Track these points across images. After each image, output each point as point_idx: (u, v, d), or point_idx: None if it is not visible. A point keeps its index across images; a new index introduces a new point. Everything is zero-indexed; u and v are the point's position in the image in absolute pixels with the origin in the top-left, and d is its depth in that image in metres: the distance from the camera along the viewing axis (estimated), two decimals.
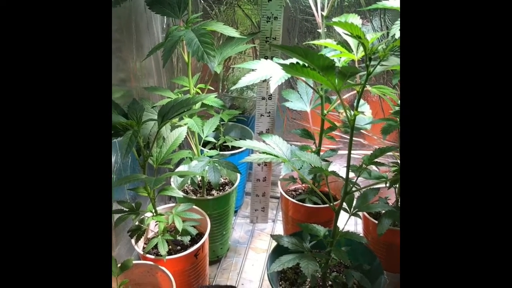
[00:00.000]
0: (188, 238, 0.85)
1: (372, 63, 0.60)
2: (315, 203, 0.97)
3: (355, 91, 0.95)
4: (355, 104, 0.96)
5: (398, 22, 0.71)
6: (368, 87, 0.89)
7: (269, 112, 1.05)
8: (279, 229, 1.16)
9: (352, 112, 0.84)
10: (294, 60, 0.60)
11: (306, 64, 0.58)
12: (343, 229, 0.78)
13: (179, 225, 0.81)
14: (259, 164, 1.10)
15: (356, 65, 0.74)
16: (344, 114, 0.91)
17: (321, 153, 0.95)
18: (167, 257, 0.80)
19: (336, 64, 0.83)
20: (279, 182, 1.02)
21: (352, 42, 0.74)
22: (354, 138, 1.18)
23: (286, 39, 1.07)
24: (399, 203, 0.91)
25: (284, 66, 0.59)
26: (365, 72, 0.61)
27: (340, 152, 1.19)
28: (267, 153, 0.73)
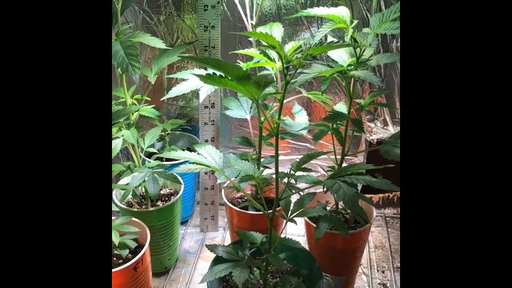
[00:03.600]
0: (127, 251, 0.84)
1: (293, 71, 0.61)
2: (259, 210, 0.97)
3: (294, 97, 0.96)
4: (292, 111, 0.97)
5: (322, 29, 0.73)
6: (304, 93, 0.91)
7: (213, 120, 1.05)
8: (229, 237, 1.16)
9: (287, 119, 0.85)
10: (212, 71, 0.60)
11: (224, 75, 0.58)
12: (281, 233, 0.79)
13: (116, 239, 0.80)
14: (206, 173, 1.10)
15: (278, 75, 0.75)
16: (285, 121, 0.93)
17: (262, 160, 0.95)
18: None
19: (270, 72, 0.84)
20: (223, 190, 1.02)
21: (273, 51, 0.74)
22: (300, 143, 1.19)
23: (226, 47, 1.07)
24: (336, 206, 0.93)
25: (201, 77, 0.59)
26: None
27: (290, 157, 1.21)
28: (197, 163, 0.73)
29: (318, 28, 1.04)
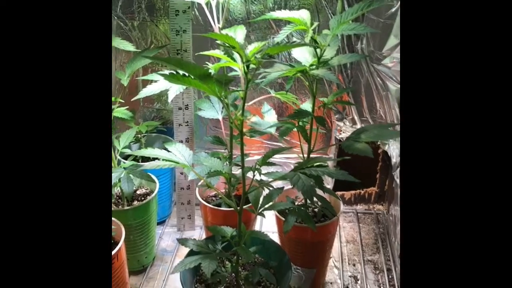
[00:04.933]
0: None
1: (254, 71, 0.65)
2: (231, 207, 1.01)
3: (264, 97, 1.00)
4: (262, 110, 1.01)
5: (283, 30, 0.77)
6: (272, 94, 0.95)
7: (187, 121, 1.09)
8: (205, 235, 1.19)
9: (256, 118, 0.89)
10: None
11: (187, 74, 0.62)
12: (251, 228, 0.82)
13: None
14: (181, 173, 1.13)
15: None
16: (252, 120, 0.96)
17: (234, 158, 0.99)
18: None
19: (237, 72, 0.88)
20: (196, 189, 1.05)
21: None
22: (274, 143, 1.23)
23: (198, 50, 1.10)
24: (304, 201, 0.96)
25: (165, 76, 0.62)
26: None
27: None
28: (167, 160, 0.76)
29: None
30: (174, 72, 0.62)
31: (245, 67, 0.64)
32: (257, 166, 0.77)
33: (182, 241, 0.79)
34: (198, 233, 1.21)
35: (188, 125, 1.09)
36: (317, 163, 0.72)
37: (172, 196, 1.27)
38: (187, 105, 1.07)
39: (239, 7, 1.06)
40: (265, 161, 0.76)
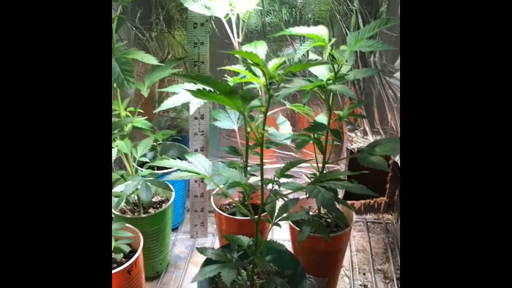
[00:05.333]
0: (121, 255, 0.89)
1: (275, 86, 0.67)
2: (246, 216, 1.02)
3: (279, 109, 1.03)
4: (277, 122, 1.03)
5: (302, 47, 0.79)
6: (288, 105, 0.97)
7: (202, 131, 1.11)
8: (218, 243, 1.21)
9: (271, 129, 0.91)
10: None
11: (212, 90, 0.64)
12: (267, 238, 0.84)
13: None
14: (196, 181, 1.16)
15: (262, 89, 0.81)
16: (269, 131, 0.99)
17: (249, 168, 1.01)
18: None
19: (255, 87, 0.90)
20: (211, 197, 1.07)
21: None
22: (286, 152, 1.26)
23: (215, 62, 1.13)
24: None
25: (192, 92, 0.65)
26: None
27: (275, 165, 1.27)
28: (188, 171, 0.78)
29: (301, 44, 1.10)
30: (201, 88, 0.64)
31: (268, 83, 0.66)
32: (275, 178, 0.79)
33: (201, 250, 0.81)
34: (211, 240, 1.23)
35: (203, 134, 1.11)
36: (335, 176, 0.74)
37: (185, 203, 1.29)
38: (203, 115, 1.09)
39: (254, 20, 1.09)
40: (283, 173, 0.78)
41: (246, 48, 0.85)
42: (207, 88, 0.64)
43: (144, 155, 1.05)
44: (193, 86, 0.86)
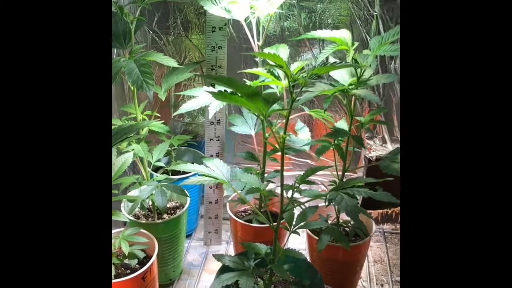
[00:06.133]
0: (136, 261, 0.87)
1: (298, 90, 0.66)
2: (262, 223, 1.00)
3: (297, 115, 1.01)
4: (295, 127, 1.01)
5: (324, 50, 0.77)
6: (307, 111, 0.95)
7: (218, 136, 1.09)
8: (233, 250, 1.19)
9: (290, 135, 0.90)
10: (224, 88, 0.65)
11: (234, 92, 0.62)
12: (284, 246, 0.82)
13: (126, 249, 0.83)
14: (210, 187, 1.14)
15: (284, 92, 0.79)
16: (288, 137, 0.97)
17: (266, 175, 0.99)
18: (114, 281, 0.81)
19: (274, 90, 0.89)
20: (227, 204, 1.05)
21: (280, 70, 0.79)
22: (301, 159, 1.23)
23: (232, 66, 1.12)
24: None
25: (213, 94, 0.63)
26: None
27: (291, 173, 1.25)
28: (207, 176, 0.77)
29: (320, 49, 1.09)
30: (222, 90, 0.62)
31: (291, 86, 0.65)
32: (295, 184, 0.77)
33: (218, 257, 0.79)
34: (224, 248, 1.21)
35: (219, 139, 1.09)
36: (357, 183, 0.72)
37: (199, 209, 1.28)
38: (219, 120, 1.07)
39: (273, 24, 1.07)
40: (304, 179, 0.76)
41: (268, 51, 0.84)
42: (229, 90, 0.63)
43: (159, 160, 1.03)
44: (212, 90, 0.85)
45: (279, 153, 1.00)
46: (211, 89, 0.86)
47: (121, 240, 0.84)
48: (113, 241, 0.85)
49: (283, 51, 0.84)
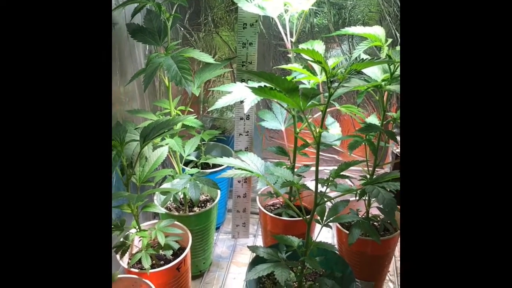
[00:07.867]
0: (171, 252, 0.89)
1: (334, 85, 0.67)
2: (291, 217, 1.02)
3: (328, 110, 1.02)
4: (326, 123, 1.03)
5: (359, 46, 0.78)
6: (337, 106, 0.96)
7: (247, 131, 1.11)
8: (260, 243, 1.21)
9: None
10: (263, 84, 0.66)
11: (273, 87, 0.64)
12: (315, 239, 0.83)
13: (162, 240, 0.86)
14: (239, 181, 1.16)
15: (321, 87, 0.80)
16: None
17: (296, 169, 1.00)
18: (151, 271, 0.84)
19: (306, 86, 0.90)
20: (257, 198, 1.07)
21: (316, 66, 0.80)
22: (328, 155, 1.25)
23: (261, 63, 1.14)
24: (367, 211, 0.97)
25: (253, 89, 0.65)
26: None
27: (319, 168, 1.26)
28: (242, 169, 0.78)
29: (349, 45, 1.09)
30: (262, 85, 0.64)
31: (329, 81, 0.66)
32: (330, 178, 0.78)
33: (253, 248, 0.81)
34: (252, 241, 1.23)
35: (248, 134, 1.11)
36: (392, 177, 0.73)
37: (227, 203, 1.30)
38: (248, 115, 1.09)
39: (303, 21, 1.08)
40: (338, 174, 0.78)
41: (303, 47, 0.85)
42: (268, 85, 0.64)
43: (189, 154, 1.05)
44: (252, 85, 0.87)
45: (308, 148, 1.02)
46: (242, 85, 0.88)
47: (157, 231, 0.87)
48: (148, 232, 0.88)
49: (318, 46, 0.85)
